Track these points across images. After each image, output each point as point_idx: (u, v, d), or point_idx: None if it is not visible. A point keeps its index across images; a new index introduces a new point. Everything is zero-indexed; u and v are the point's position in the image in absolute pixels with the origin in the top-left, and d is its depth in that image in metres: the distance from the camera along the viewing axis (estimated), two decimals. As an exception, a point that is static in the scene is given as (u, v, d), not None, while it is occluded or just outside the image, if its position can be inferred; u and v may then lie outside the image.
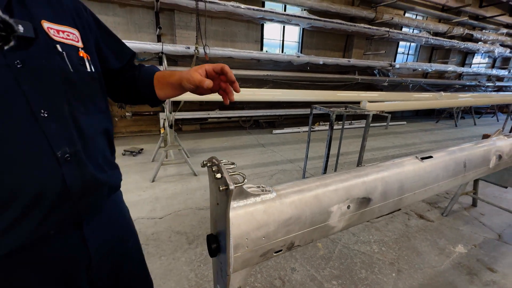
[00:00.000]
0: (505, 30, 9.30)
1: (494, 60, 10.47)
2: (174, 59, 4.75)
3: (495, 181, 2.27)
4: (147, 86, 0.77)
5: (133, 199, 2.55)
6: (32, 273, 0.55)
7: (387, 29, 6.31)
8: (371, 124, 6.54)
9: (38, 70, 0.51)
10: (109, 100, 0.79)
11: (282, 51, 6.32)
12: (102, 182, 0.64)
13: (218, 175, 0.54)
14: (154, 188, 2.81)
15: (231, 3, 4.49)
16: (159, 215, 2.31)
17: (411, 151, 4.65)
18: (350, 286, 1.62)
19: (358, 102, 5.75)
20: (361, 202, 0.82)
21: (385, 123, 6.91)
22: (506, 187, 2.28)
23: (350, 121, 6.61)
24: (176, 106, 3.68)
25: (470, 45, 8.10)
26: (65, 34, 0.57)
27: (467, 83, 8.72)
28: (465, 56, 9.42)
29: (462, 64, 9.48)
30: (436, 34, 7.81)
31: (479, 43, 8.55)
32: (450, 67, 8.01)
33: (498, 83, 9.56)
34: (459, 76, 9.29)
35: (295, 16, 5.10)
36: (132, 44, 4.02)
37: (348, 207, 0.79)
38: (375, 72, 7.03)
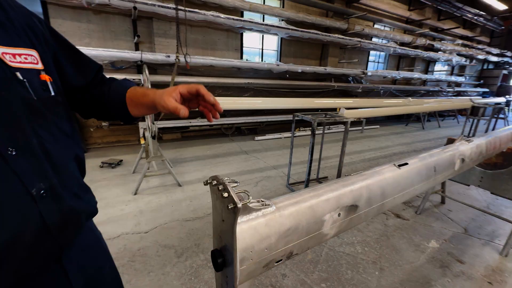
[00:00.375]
0: (460, 41, 10.31)
1: (452, 68, 11.53)
2: (154, 68, 4.67)
3: (459, 180, 2.51)
4: (118, 105, 0.72)
5: (115, 214, 2.45)
6: None
7: (359, 39, 6.73)
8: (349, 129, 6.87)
9: None
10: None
11: (262, 59, 6.46)
12: (80, 211, 0.62)
13: (225, 194, 0.58)
14: (137, 201, 2.73)
15: (211, 12, 4.54)
16: (144, 229, 2.25)
17: (385, 153, 4.96)
18: (338, 287, 1.70)
19: (335, 109, 6.04)
20: (349, 209, 0.89)
21: (360, 128, 7.32)
22: (468, 185, 2.54)
23: (328, 126, 6.88)
24: (158, 115, 3.61)
25: (431, 54, 8.87)
26: (23, 58, 0.52)
27: (431, 89, 9.50)
28: (428, 64, 10.27)
29: (426, 71, 10.32)
30: (402, 44, 8.45)
31: (439, 52, 9.40)
32: (416, 74, 8.69)
33: (457, 89, 10.52)
34: (424, 82, 10.09)
35: (273, 26, 5.27)
36: (108, 52, 3.90)
37: (339, 215, 0.86)
38: (349, 79, 7.43)
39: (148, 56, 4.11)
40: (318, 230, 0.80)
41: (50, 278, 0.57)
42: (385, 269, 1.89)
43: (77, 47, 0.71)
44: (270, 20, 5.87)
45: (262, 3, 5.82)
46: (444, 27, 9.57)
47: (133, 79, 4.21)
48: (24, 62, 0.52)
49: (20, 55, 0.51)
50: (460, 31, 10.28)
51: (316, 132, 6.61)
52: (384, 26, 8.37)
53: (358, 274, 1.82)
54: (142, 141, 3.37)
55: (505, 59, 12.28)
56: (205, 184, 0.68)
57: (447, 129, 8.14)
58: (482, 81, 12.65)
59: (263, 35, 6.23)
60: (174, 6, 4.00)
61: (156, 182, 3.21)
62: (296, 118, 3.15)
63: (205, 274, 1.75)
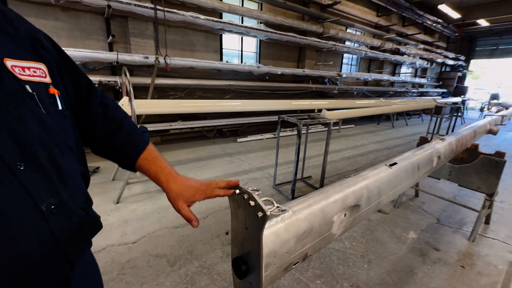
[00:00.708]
0: (422, 46, 11.22)
1: (416, 70, 12.51)
2: (130, 69, 4.45)
3: (432, 175, 2.75)
4: (125, 162, 0.74)
5: (97, 225, 2.31)
6: None
7: (334, 42, 7.03)
8: (324, 129, 7.15)
9: (7, 118, 0.45)
10: None
11: (242, 61, 6.48)
12: (89, 224, 0.62)
13: (252, 203, 0.59)
14: (120, 210, 2.59)
15: (190, 13, 4.46)
16: (131, 239, 2.15)
17: (362, 151, 5.24)
18: (332, 282, 1.78)
19: (313, 110, 6.24)
20: (352, 209, 0.95)
21: (337, 127, 7.64)
22: (439, 179, 2.78)
23: (308, 126, 7.09)
24: (137, 118, 3.46)
25: (398, 57, 9.55)
26: (32, 71, 0.52)
27: (398, 90, 10.21)
28: (395, 67, 11.03)
29: (393, 73, 11.08)
30: (372, 48, 8.99)
31: (404, 56, 10.15)
32: (385, 76, 9.29)
33: (420, 89, 11.43)
34: (392, 83, 10.82)
35: (253, 28, 5.32)
36: (80, 52, 3.65)
37: (345, 215, 0.91)
38: (325, 81, 7.73)
39: (124, 57, 3.92)
40: (328, 231, 0.84)
41: None
42: (372, 261, 2.01)
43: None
44: (249, 22, 5.91)
45: (241, 5, 5.84)
46: (408, 32, 10.35)
47: (108, 81, 4.00)
48: (33, 76, 0.52)
49: (29, 68, 0.51)
50: (422, 36, 11.19)
51: (295, 133, 6.74)
52: (356, 30, 8.83)
53: (349, 268, 1.92)
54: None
55: (460, 62, 13.60)
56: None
57: (413, 127, 8.81)
58: (441, 82, 13.89)
59: (242, 37, 6.24)
60: (151, 6, 3.87)
61: (139, 189, 3.08)
62: (277, 118, 3.20)
63: (201, 281, 1.73)
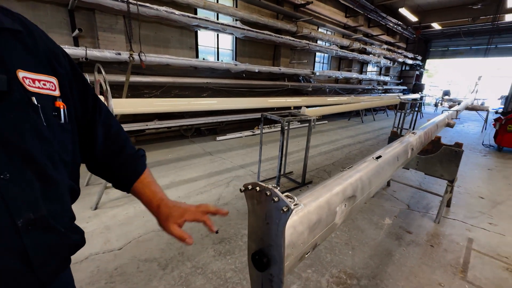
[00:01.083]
0: (385, 46, 12.05)
1: (380, 69, 13.41)
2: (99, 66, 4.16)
3: (402, 166, 3.01)
4: (122, 185, 0.75)
5: (76, 234, 2.16)
6: None
7: (307, 41, 7.26)
8: (301, 125, 7.39)
9: (6, 126, 0.45)
10: None
11: (218, 59, 6.40)
12: (69, 244, 0.60)
13: (276, 198, 0.63)
14: (100, 217, 2.45)
15: (164, 8, 4.29)
16: (116, 246, 2.05)
17: (337, 146, 5.52)
18: (322, 270, 1.88)
19: (289, 107, 6.36)
20: (350, 199, 1.03)
21: (312, 124, 7.92)
22: (408, 169, 3.06)
23: (284, 123, 7.26)
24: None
25: (365, 57, 10.15)
26: (42, 84, 0.53)
27: (366, 87, 10.88)
28: (362, 66, 11.71)
29: (360, 72, 11.75)
30: (342, 47, 9.43)
31: (370, 55, 10.81)
32: (354, 75, 9.83)
33: (385, 87, 12.29)
34: (360, 81, 11.48)
35: (229, 25, 5.28)
36: (42, 47, 3.32)
37: (345, 205, 0.99)
38: (300, 78, 7.96)
39: (94, 53, 3.65)
40: (332, 221, 0.91)
41: None
42: (356, 248, 2.16)
43: None
44: (224, 19, 5.85)
45: (216, 2, 5.75)
46: (373, 33, 11.04)
47: (76, 79, 3.69)
48: (42, 88, 0.53)
49: (39, 80, 0.52)
50: (385, 37, 12.01)
51: (274, 130, 6.87)
52: (327, 30, 9.20)
53: (336, 256, 2.04)
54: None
55: (417, 62, 14.87)
56: (242, 191, 0.71)
57: (380, 121, 9.47)
58: (402, 80, 15.07)
59: (218, 34, 6.16)
60: (123, -1, 3.65)
61: (118, 193, 2.92)
62: (255, 115, 3.25)
63: (196, 281, 1.72)
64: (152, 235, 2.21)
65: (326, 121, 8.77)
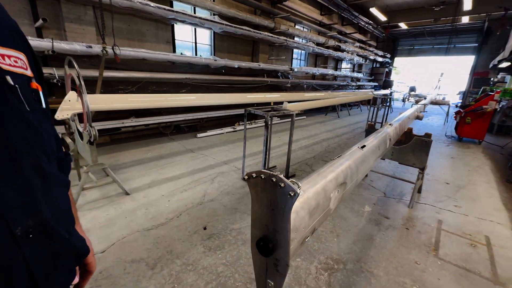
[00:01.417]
0: (358, 44, 12.57)
1: (354, 66, 13.99)
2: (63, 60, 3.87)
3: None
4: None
5: (52, 239, 2.01)
6: None
7: (285, 38, 7.35)
8: (281, 121, 7.50)
9: None
10: None
11: (196, 54, 6.25)
12: (73, 254, 0.53)
13: (282, 184, 0.64)
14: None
15: (138, -1, 4.09)
16: (99, 248, 1.95)
17: (316, 140, 5.70)
18: (310, 258, 1.96)
19: (269, 103, 6.44)
20: (341, 186, 1.09)
21: (290, 119, 8.07)
22: (384, 159, 3.26)
23: (264, 119, 7.31)
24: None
25: (339, 54, 10.52)
26: (13, 60, 0.43)
27: (341, 83, 11.30)
28: (337, 63, 12.13)
29: (336, 68, 12.18)
30: (318, 44, 9.68)
31: (344, 52, 11.24)
32: (330, 71, 10.16)
33: (358, 83, 12.87)
34: (335, 77, 11.89)
35: (207, 20, 5.17)
36: (0, 38, 3.00)
37: (338, 191, 1.04)
38: (279, 74, 8.05)
39: (62, 45, 3.37)
40: (328, 207, 0.96)
41: None
42: (340, 235, 2.27)
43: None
44: (201, 13, 5.71)
45: (192, -5, 5.59)
46: (347, 31, 11.46)
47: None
48: (14, 66, 0.43)
49: (9, 56, 0.43)
50: (357, 35, 12.53)
51: (256, 126, 6.90)
52: (303, 27, 9.37)
53: (322, 244, 2.13)
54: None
55: (387, 59, 15.74)
56: (245, 180, 0.72)
57: (355, 116, 9.92)
58: (373, 76, 15.87)
59: (195, 29, 6.00)
60: (92, -12, 3.41)
61: (96, 195, 2.77)
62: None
63: (188, 278, 1.70)
64: (137, 235, 2.13)
65: (305, 117, 8.99)
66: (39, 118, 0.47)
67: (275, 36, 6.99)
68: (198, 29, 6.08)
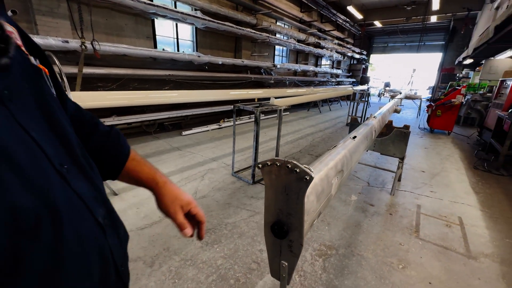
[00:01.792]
0: (336, 41, 12.95)
1: (333, 62, 14.40)
2: (40, 55, 3.63)
3: (362, 148, 3.36)
4: (115, 163, 0.60)
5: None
6: None
7: (268, 34, 7.40)
8: (265, 117, 7.57)
9: (28, 101, 0.34)
10: None
11: (178, 50, 6.11)
12: (127, 238, 0.54)
13: (298, 170, 0.69)
14: (64, 223, 2.21)
15: (117, -8, 3.92)
16: (92, 250, 1.89)
17: (301, 135, 5.84)
18: (305, 246, 2.02)
19: (253, 100, 6.46)
20: (339, 173, 1.16)
21: (275, 115, 8.18)
22: (367, 151, 3.44)
23: (249, 116, 7.35)
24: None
25: (319, 50, 10.78)
26: (15, 37, 0.37)
27: (321, 79, 11.60)
28: (317, 59, 12.42)
29: (316, 65, 12.47)
30: (299, 41, 9.85)
31: (324, 49, 11.53)
32: (311, 67, 10.38)
33: (337, 79, 13.27)
34: (315, 74, 12.19)
35: (190, 15, 5.07)
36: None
37: (337, 178, 1.12)
38: (262, 71, 8.10)
39: (35, 39, 3.14)
40: (330, 192, 1.03)
41: None
42: (331, 223, 2.39)
43: None
44: (182, 8, 5.59)
45: (173, -11, 5.45)
46: (326, 28, 11.76)
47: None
48: (21, 45, 0.37)
49: (11, 32, 0.35)
50: (336, 33, 12.89)
51: (241, 122, 6.91)
52: (284, 24, 9.48)
53: (315, 232, 2.23)
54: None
55: (363, 56, 16.37)
56: (259, 168, 0.76)
57: (335, 111, 10.26)
58: (351, 73, 16.45)
59: (177, 24, 5.86)
60: (67, -21, 3.22)
61: (81, 196, 2.66)
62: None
63: (188, 273, 1.71)
64: (131, 235, 2.09)
65: (288, 112, 9.14)
66: (60, 105, 0.44)
67: (258, 32, 7.01)
68: (179, 25, 5.94)
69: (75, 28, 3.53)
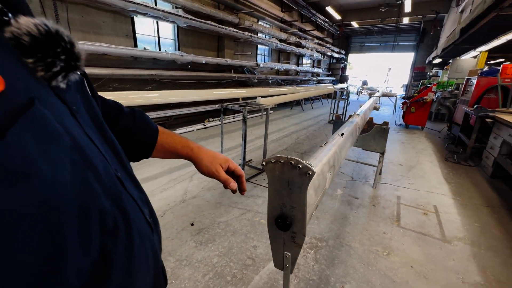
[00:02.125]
0: (317, 41, 13.27)
1: (313, 62, 14.75)
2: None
3: (345, 144, 3.52)
4: (148, 139, 0.62)
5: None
6: None
7: (250, 33, 7.43)
8: (250, 116, 7.61)
9: (84, 112, 0.37)
10: None
11: (159, 49, 5.97)
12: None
13: (300, 165, 0.75)
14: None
15: (94, -12, 3.76)
16: (81, 256, 1.84)
17: (286, 133, 5.96)
18: (296, 240, 2.12)
19: (237, 99, 6.48)
20: (331, 168, 1.24)
21: (259, 114, 8.25)
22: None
23: (234, 115, 7.35)
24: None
25: (301, 50, 11.00)
26: None
27: (303, 78, 11.85)
28: (298, 58, 12.66)
29: (297, 64, 12.70)
30: (280, 40, 9.98)
31: (305, 49, 11.78)
32: (293, 66, 10.57)
33: (318, 78, 13.62)
34: (297, 73, 12.42)
35: (171, 13, 4.98)
36: None
37: (330, 173, 1.19)
38: (245, 70, 8.12)
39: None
40: (324, 186, 1.10)
41: None
42: (319, 217, 2.49)
43: None
44: (163, 6, 5.47)
45: (153, -14, 5.31)
46: (306, 28, 12.01)
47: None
48: None
49: None
50: (316, 32, 13.21)
51: (226, 122, 6.89)
52: (266, 23, 9.56)
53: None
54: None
55: (342, 55, 16.92)
56: (263, 166, 0.81)
57: (317, 109, 10.53)
58: (331, 72, 16.94)
59: (158, 22, 5.72)
60: (39, -27, 3.04)
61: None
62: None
63: (184, 273, 1.72)
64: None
65: (272, 111, 9.25)
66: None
67: (240, 31, 7.02)
68: (161, 23, 5.80)
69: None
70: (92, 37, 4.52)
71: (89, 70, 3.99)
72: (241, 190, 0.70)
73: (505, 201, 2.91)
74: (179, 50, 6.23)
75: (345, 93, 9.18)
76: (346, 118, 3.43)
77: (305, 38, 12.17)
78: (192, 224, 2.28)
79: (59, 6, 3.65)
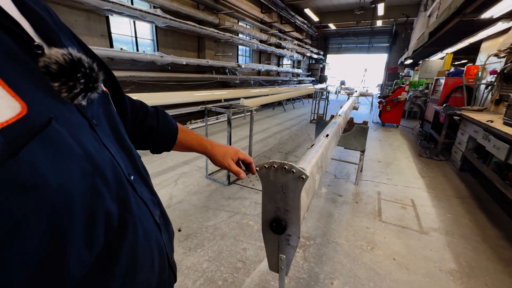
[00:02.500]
0: (296, 42, 13.52)
1: (293, 62, 15.00)
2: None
3: (328, 143, 3.63)
4: (169, 137, 0.71)
5: None
6: None
7: (231, 34, 7.40)
8: (233, 117, 7.58)
9: (104, 123, 0.42)
10: None
11: (137, 49, 5.76)
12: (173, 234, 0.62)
13: (294, 170, 0.76)
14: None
15: (65, -14, 3.55)
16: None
17: (269, 133, 6.01)
18: (285, 240, 2.16)
19: (219, 100, 6.42)
20: (319, 169, 1.28)
21: (242, 115, 8.25)
22: (332, 146, 3.72)
23: (216, 116, 7.29)
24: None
25: (281, 51, 11.15)
26: None
27: (284, 79, 12.02)
28: (279, 59, 12.81)
29: (278, 65, 12.85)
30: (261, 41, 10.04)
31: (285, 50, 11.95)
32: (274, 67, 10.68)
33: (298, 78, 13.88)
34: (278, 73, 12.57)
35: (149, 13, 4.83)
36: None
37: (319, 174, 1.23)
38: (226, 71, 8.08)
39: None
40: (315, 188, 1.14)
41: None
42: (306, 216, 2.55)
43: None
44: (140, 5, 5.29)
45: (128, -16, 5.12)
46: (286, 29, 12.19)
47: None
48: None
49: None
50: (295, 34, 13.46)
51: (209, 123, 6.81)
52: (246, 24, 9.57)
53: (293, 226, 2.36)
54: None
55: (320, 56, 17.38)
56: (257, 171, 0.82)
57: (299, 109, 10.74)
58: (310, 72, 17.33)
59: (135, 22, 5.52)
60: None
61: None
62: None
63: (187, 262, 1.69)
64: (105, 249, 1.96)
65: (255, 112, 9.27)
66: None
67: (221, 32, 6.97)
68: (138, 23, 5.60)
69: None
70: (64, 36, 4.26)
71: (61, 72, 3.76)
72: (252, 172, 0.83)
73: (473, 192, 3.17)
74: (158, 50, 6.06)
75: (325, 93, 9.44)
76: (327, 118, 3.55)
77: (285, 39, 12.34)
78: (180, 230, 2.23)
79: (26, 4, 3.40)
